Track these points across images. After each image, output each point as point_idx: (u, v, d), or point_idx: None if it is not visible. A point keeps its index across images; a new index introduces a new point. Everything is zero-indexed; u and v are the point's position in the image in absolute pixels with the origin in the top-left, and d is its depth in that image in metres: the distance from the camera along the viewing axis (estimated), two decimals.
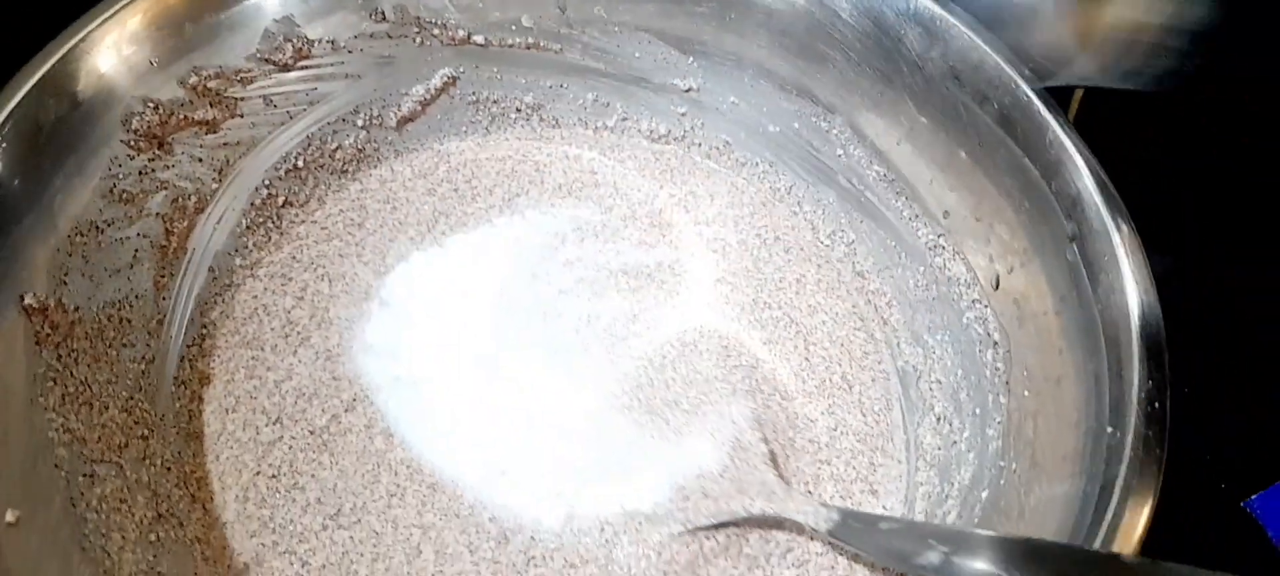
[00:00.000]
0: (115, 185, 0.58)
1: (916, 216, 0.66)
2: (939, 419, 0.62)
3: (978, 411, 0.59)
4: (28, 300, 0.51)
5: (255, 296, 0.65)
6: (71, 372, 0.53)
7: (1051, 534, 0.47)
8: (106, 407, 0.54)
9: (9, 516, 0.44)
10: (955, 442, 0.60)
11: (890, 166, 0.67)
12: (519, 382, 0.61)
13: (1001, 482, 0.54)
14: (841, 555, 0.56)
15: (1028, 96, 0.57)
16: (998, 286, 0.60)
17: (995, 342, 0.59)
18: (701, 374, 0.62)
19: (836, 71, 0.67)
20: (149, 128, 0.59)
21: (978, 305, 0.61)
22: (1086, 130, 0.55)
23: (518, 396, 0.61)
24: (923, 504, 0.59)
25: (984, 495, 0.55)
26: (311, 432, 0.58)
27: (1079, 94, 0.70)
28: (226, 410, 0.59)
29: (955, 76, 0.61)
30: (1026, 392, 0.55)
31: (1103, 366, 0.50)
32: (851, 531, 0.51)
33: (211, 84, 0.62)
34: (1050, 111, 0.56)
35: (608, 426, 0.59)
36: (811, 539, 0.56)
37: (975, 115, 0.60)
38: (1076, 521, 0.46)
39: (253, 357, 0.62)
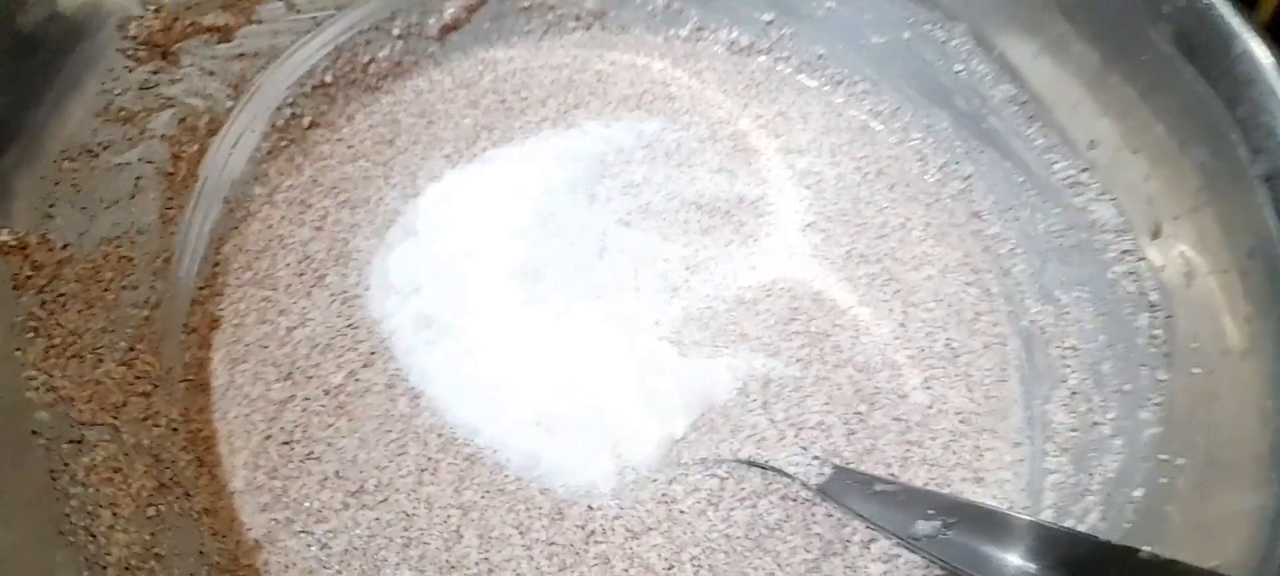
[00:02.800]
0: (112, 102, 0.51)
1: (1053, 147, 0.56)
2: (1073, 393, 0.52)
3: (1127, 388, 0.50)
4: (3, 236, 0.45)
5: (270, 226, 0.57)
6: (57, 321, 0.46)
7: (1235, 560, 0.37)
8: (101, 361, 0.48)
9: None
10: (1096, 424, 0.50)
11: (1023, 85, 0.57)
12: (562, 323, 0.55)
13: (1162, 482, 0.44)
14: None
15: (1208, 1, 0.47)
16: (1158, 235, 0.50)
17: (1152, 304, 0.50)
18: (743, 331, 0.55)
19: None
20: (150, 34, 0.53)
21: (1129, 257, 0.51)
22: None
23: (559, 338, 0.54)
24: (1053, 496, 0.50)
25: (1137, 495, 0.45)
26: (326, 393, 0.51)
27: None
28: (235, 361, 0.52)
29: None
30: (1196, 369, 0.46)
31: None
32: (844, 488, 0.49)
33: None
34: (1237, 18, 0.47)
35: (642, 360, 0.54)
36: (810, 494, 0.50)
37: (1138, 22, 0.50)
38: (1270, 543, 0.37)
39: (264, 299, 0.54)
